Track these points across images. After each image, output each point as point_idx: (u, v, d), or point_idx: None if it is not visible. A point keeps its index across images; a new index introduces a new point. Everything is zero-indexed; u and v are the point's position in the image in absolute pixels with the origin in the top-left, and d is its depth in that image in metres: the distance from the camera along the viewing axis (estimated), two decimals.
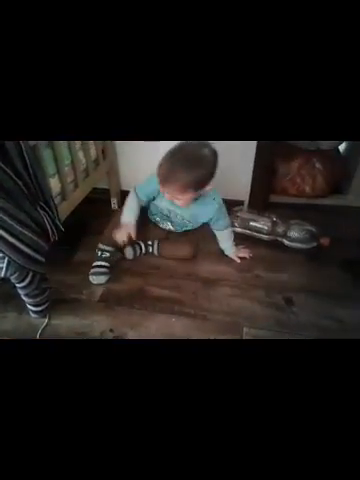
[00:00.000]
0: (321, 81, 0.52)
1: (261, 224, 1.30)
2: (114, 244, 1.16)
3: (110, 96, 0.53)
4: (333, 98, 0.53)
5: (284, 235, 1.27)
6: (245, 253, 1.25)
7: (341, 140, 1.52)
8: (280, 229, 1.28)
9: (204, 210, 1.13)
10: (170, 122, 0.55)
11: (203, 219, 1.17)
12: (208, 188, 1.03)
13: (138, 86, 0.52)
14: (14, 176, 0.76)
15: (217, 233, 1.22)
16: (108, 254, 1.19)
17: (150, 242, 1.25)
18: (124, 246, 1.19)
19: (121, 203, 1.35)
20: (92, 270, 1.16)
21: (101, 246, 1.19)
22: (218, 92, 0.53)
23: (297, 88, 0.53)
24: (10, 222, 0.77)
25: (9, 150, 0.74)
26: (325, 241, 1.24)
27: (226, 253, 1.25)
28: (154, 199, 1.16)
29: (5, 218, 0.77)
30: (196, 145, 0.97)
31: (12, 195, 0.77)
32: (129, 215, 1.12)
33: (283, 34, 0.50)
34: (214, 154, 0.98)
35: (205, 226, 1.22)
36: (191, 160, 0.95)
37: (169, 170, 0.96)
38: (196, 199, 1.08)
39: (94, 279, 1.15)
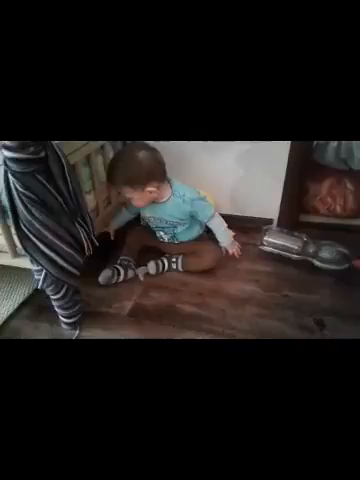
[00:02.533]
0: (323, 81, 0.55)
1: (291, 243, 1.29)
2: (131, 255, 1.28)
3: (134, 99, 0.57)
4: (335, 97, 0.55)
5: (315, 255, 1.25)
6: (234, 249, 1.27)
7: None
8: (311, 249, 1.26)
9: (178, 207, 1.19)
10: (177, 124, 0.59)
11: (182, 215, 1.21)
12: (151, 189, 1.10)
13: (149, 88, 0.56)
14: (56, 193, 0.80)
15: (207, 224, 1.27)
16: (126, 262, 1.25)
17: (174, 259, 1.28)
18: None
19: None
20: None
21: (121, 257, 1.28)
22: (221, 93, 0.57)
23: (301, 89, 0.56)
24: (50, 237, 0.82)
25: (52, 169, 0.79)
26: (358, 263, 1.21)
27: (220, 245, 1.28)
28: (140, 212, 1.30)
29: (45, 233, 0.81)
30: (133, 146, 1.12)
31: (53, 211, 0.81)
32: (112, 222, 1.32)
33: (291, 35, 0.53)
34: (152, 156, 1.09)
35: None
36: (123, 161, 1.08)
37: (109, 171, 1.10)
38: (167, 199, 1.18)
39: (101, 274, 1.20)
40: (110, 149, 1.17)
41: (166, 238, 1.30)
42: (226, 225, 1.26)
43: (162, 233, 1.29)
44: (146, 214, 1.26)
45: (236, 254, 1.28)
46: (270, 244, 1.32)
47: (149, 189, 1.10)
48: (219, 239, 1.28)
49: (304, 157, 1.35)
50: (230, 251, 1.27)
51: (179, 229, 1.26)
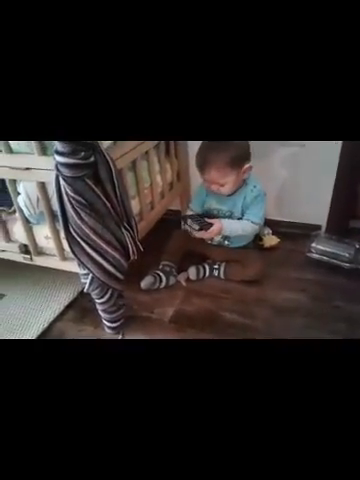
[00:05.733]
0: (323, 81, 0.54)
1: (341, 251, 1.22)
2: (173, 260, 1.25)
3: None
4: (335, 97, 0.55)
5: None
6: (210, 232, 1.13)
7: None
8: None
9: (246, 196, 1.17)
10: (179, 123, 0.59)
11: (245, 206, 1.19)
12: (247, 167, 1.10)
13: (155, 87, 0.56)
14: (104, 198, 0.81)
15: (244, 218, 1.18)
16: (167, 268, 1.23)
17: (216, 266, 1.24)
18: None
19: None
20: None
21: (163, 262, 1.25)
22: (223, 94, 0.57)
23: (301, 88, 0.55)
24: (98, 241, 0.82)
25: (101, 174, 0.80)
26: None
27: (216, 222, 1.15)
28: (204, 206, 1.26)
29: (94, 237, 0.82)
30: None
31: (101, 215, 0.81)
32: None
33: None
34: None
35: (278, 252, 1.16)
36: (218, 147, 1.05)
37: (207, 153, 1.08)
38: (238, 189, 1.16)
39: (143, 280, 1.19)
40: (154, 154, 1.17)
41: (217, 239, 1.26)
42: (240, 233, 1.18)
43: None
44: (213, 205, 1.23)
45: (204, 234, 1.15)
46: (318, 251, 1.25)
47: (245, 168, 1.10)
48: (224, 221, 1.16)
49: (356, 160, 1.28)
50: (209, 231, 1.13)
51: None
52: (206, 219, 1.17)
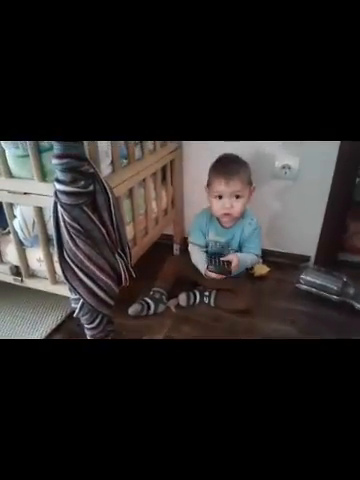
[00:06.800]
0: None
1: (330, 283, 1.24)
2: (165, 286, 1.26)
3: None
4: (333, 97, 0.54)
5: (355, 298, 1.19)
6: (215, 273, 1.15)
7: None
8: (351, 291, 1.21)
9: (243, 230, 1.21)
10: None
11: (242, 239, 1.23)
12: (253, 187, 1.19)
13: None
14: (100, 225, 0.82)
15: (244, 251, 1.23)
16: (157, 295, 1.23)
17: (207, 293, 1.25)
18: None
19: (183, 248, 1.46)
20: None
21: (154, 289, 1.26)
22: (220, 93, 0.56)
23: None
24: (91, 267, 0.82)
25: (99, 202, 0.81)
26: None
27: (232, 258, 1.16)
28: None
29: (87, 263, 0.82)
30: (232, 155, 1.19)
31: (96, 242, 0.82)
32: (203, 265, 1.20)
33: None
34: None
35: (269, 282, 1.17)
36: (239, 163, 1.16)
37: (231, 165, 1.14)
38: (237, 222, 1.21)
39: (131, 307, 1.19)
40: (151, 181, 1.19)
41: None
42: (247, 265, 1.24)
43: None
44: (211, 237, 1.25)
45: (211, 273, 1.15)
46: (307, 283, 1.27)
47: (252, 187, 1.19)
48: (239, 254, 1.19)
49: (346, 195, 1.32)
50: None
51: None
52: (221, 259, 1.16)
